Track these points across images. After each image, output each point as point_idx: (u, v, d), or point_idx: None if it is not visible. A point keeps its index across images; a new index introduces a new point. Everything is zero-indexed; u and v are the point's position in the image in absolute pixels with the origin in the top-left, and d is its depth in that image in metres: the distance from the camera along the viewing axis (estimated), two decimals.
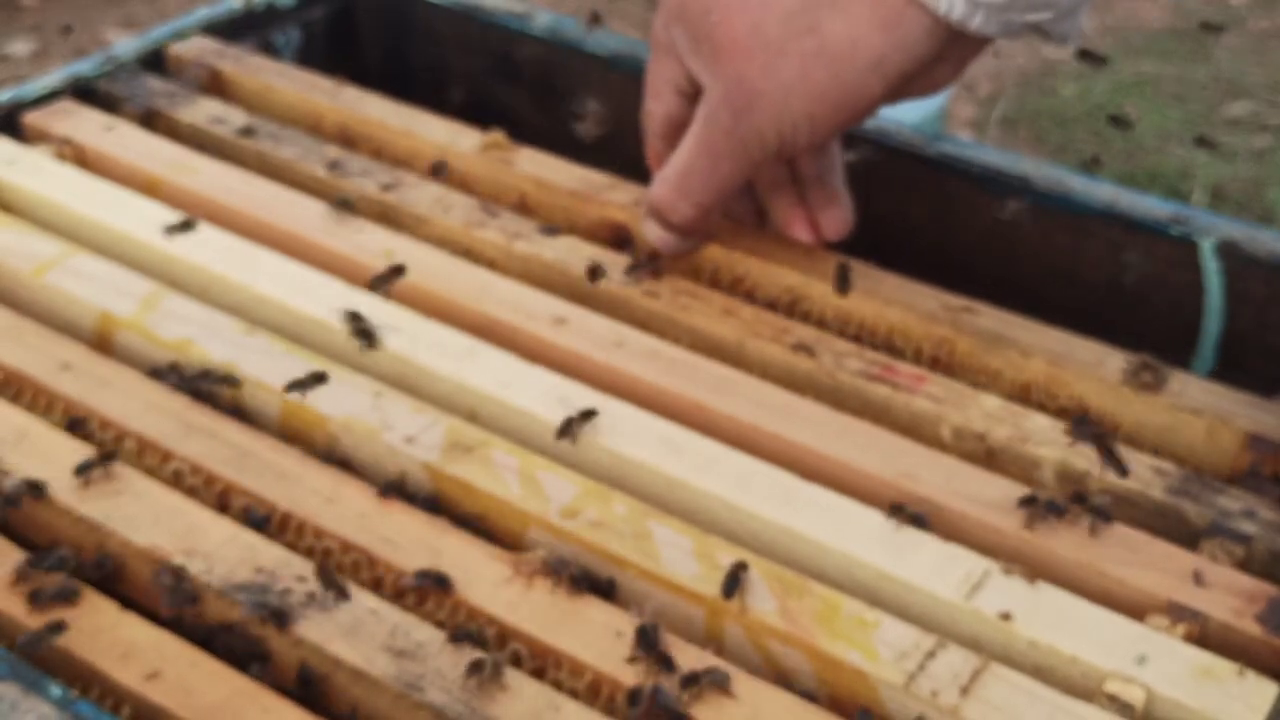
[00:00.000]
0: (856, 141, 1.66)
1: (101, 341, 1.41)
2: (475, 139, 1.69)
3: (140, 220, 1.53)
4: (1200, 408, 1.33)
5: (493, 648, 1.11)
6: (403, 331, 1.39)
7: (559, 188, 1.62)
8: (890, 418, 1.35)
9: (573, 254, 1.52)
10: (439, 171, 1.64)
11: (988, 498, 1.24)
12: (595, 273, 1.45)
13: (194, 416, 1.30)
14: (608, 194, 1.61)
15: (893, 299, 1.46)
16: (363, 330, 1.34)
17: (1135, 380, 1.35)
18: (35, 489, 1.20)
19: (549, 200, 1.62)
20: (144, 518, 1.19)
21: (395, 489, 1.23)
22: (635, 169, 1.62)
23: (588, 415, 1.28)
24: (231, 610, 1.12)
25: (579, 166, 1.65)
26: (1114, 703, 1.06)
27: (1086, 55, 1.71)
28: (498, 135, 1.68)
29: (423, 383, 1.36)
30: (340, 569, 1.18)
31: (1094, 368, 1.37)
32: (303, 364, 1.35)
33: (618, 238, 1.57)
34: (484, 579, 1.15)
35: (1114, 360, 1.38)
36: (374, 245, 1.52)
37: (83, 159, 1.64)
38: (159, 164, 1.62)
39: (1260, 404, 1.33)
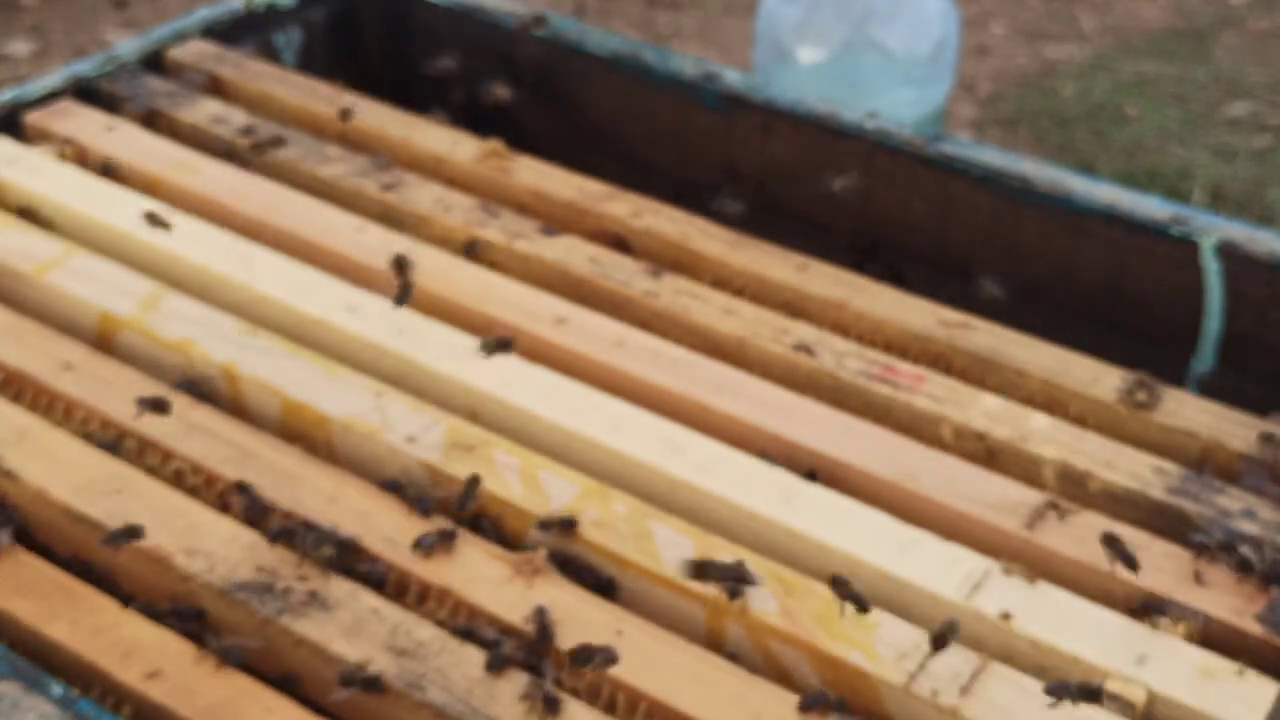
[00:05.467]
0: (856, 141, 1.66)
1: (103, 341, 1.41)
2: (474, 147, 1.69)
3: (140, 220, 1.53)
4: (1195, 428, 1.33)
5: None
6: (404, 331, 1.39)
7: (556, 198, 1.62)
8: (891, 418, 1.35)
9: (573, 254, 1.52)
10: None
11: (988, 498, 1.24)
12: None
13: (195, 416, 1.30)
14: (605, 204, 1.61)
15: (888, 316, 1.46)
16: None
17: (1130, 399, 1.35)
18: None
19: (546, 211, 1.61)
20: (145, 517, 1.19)
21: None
22: (636, 166, 1.63)
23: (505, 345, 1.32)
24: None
25: (577, 175, 1.65)
26: (1115, 702, 1.06)
27: None
28: (496, 144, 1.68)
29: (424, 382, 1.36)
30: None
31: (1090, 386, 1.37)
32: (304, 364, 1.35)
33: (615, 247, 1.56)
34: (484, 579, 1.15)
35: (1110, 379, 1.38)
36: (375, 245, 1.52)
37: (83, 159, 1.64)
38: (160, 164, 1.63)
39: (1255, 424, 1.33)
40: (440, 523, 1.19)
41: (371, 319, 1.41)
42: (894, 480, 1.26)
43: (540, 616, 1.09)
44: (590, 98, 1.85)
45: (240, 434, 1.28)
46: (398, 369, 1.37)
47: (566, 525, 1.18)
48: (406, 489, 1.23)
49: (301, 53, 1.94)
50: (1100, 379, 1.38)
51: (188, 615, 1.12)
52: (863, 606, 1.10)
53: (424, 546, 1.16)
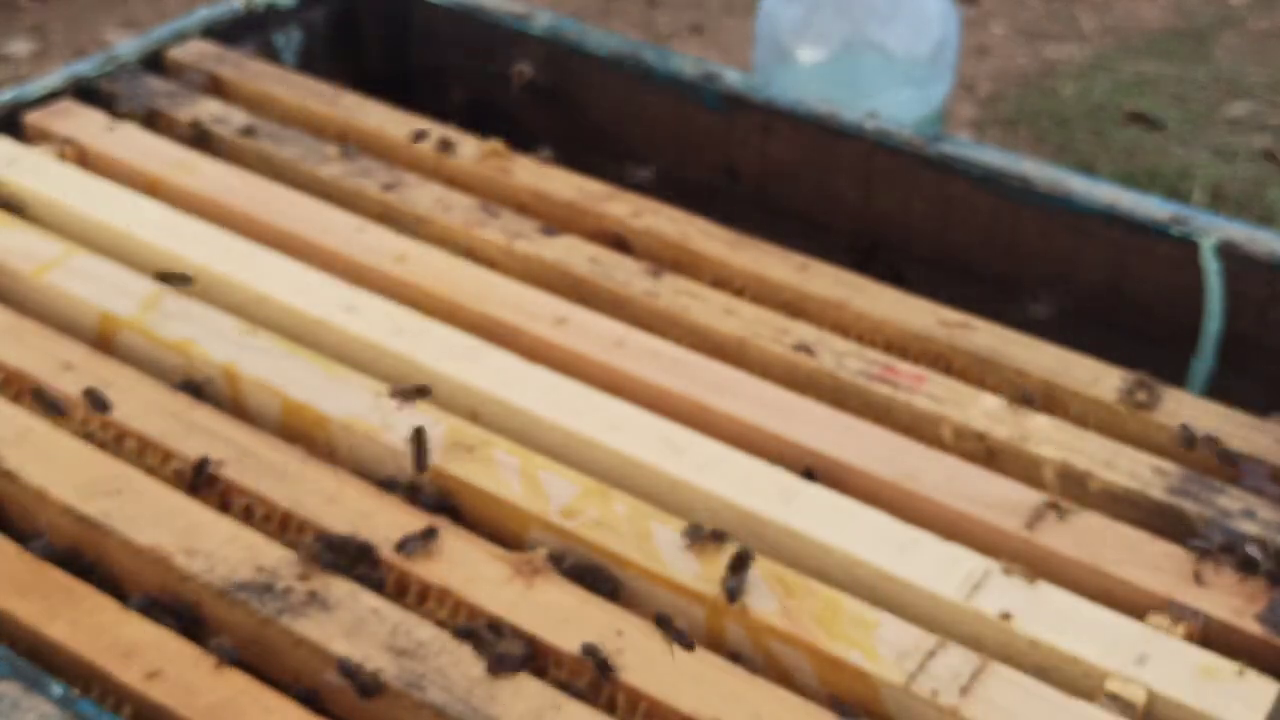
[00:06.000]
0: (856, 142, 1.66)
1: (103, 341, 1.41)
2: (474, 147, 1.69)
3: (141, 220, 1.53)
4: (1195, 429, 1.33)
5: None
6: (404, 331, 1.39)
7: (556, 198, 1.62)
8: (891, 418, 1.35)
9: (573, 254, 1.52)
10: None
11: (988, 498, 1.24)
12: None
13: (194, 416, 1.30)
14: (605, 204, 1.61)
15: (888, 316, 1.46)
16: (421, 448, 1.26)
17: (1130, 399, 1.35)
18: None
19: (546, 211, 1.62)
20: (145, 517, 1.19)
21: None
22: (636, 166, 1.62)
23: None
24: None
25: (577, 175, 1.65)
26: (1115, 702, 1.06)
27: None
28: (496, 144, 1.68)
29: (424, 382, 1.35)
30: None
31: (1090, 386, 1.37)
32: (304, 364, 1.35)
33: (615, 247, 1.56)
34: (485, 579, 1.15)
35: (1110, 379, 1.38)
36: (375, 245, 1.52)
37: (83, 159, 1.64)
38: (160, 164, 1.63)
39: (1255, 424, 1.33)
40: (432, 520, 1.19)
41: (371, 319, 1.41)
42: (894, 480, 1.26)
43: (594, 653, 1.08)
44: (590, 98, 1.85)
45: (240, 434, 1.28)
46: (398, 369, 1.37)
47: (742, 559, 1.15)
48: (401, 485, 1.24)
49: (301, 53, 1.94)
50: (1100, 379, 1.38)
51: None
52: (686, 645, 1.09)
53: (406, 549, 1.16)
